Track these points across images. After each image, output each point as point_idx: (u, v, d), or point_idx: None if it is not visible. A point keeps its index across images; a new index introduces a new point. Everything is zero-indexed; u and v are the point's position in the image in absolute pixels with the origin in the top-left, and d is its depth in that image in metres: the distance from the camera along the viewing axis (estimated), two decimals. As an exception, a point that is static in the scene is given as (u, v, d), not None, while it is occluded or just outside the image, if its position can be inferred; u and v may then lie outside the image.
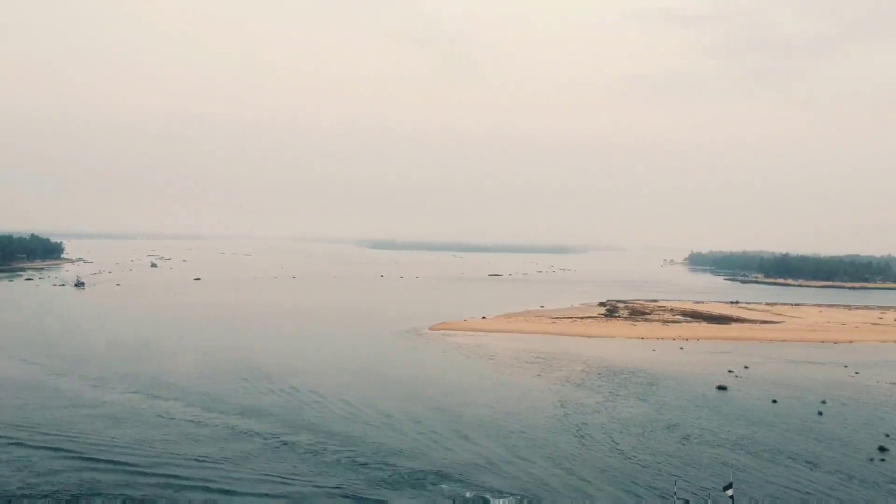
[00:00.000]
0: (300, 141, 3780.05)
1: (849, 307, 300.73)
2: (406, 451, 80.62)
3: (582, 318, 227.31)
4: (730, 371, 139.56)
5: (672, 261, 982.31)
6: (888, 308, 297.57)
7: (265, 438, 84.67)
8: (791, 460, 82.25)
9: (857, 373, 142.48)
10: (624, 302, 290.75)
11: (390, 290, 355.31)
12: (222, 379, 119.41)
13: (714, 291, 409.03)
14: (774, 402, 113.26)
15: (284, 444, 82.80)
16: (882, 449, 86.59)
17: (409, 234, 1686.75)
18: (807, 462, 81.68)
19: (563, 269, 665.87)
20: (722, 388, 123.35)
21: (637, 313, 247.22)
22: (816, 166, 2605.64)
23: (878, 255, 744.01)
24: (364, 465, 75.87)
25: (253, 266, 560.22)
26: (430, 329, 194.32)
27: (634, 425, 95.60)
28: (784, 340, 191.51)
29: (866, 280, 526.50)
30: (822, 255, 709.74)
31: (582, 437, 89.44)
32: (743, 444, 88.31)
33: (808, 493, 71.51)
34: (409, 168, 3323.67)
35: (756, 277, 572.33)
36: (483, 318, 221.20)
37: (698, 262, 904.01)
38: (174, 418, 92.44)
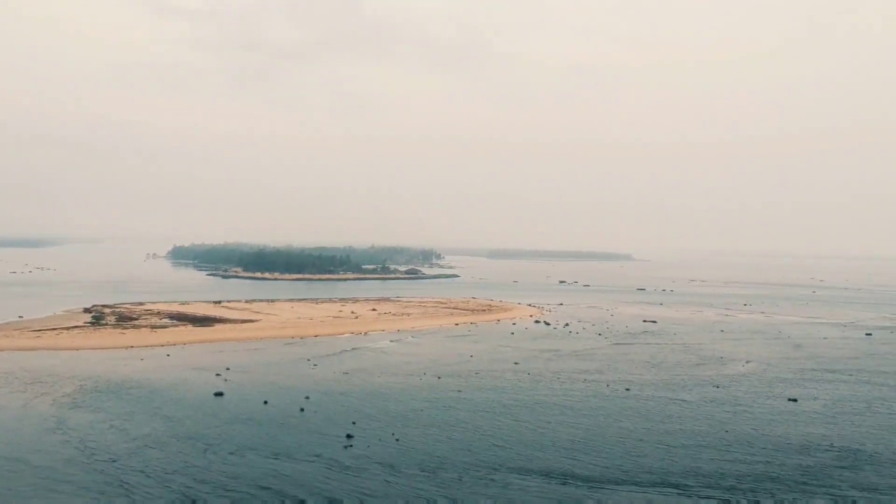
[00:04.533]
0: None
1: (316, 301, 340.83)
2: None
3: (68, 328, 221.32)
4: (218, 375, 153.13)
5: (155, 254, 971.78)
6: (347, 300, 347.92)
7: None
8: (287, 457, 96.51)
9: (315, 365, 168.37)
10: (111, 307, 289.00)
11: None
12: None
13: (198, 289, 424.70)
14: (266, 402, 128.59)
15: None
16: (349, 436, 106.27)
17: None
18: (299, 455, 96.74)
19: (41, 268, 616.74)
20: (219, 394, 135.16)
21: (125, 319, 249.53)
22: (297, 164, 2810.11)
23: (340, 246, 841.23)
24: None
25: None
26: None
27: (155, 447, 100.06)
28: (263, 338, 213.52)
29: (331, 272, 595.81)
30: (295, 248, 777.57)
31: (105, 474, 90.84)
32: (256, 447, 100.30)
33: (298, 483, 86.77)
34: None
35: (236, 272, 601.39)
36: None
37: (181, 255, 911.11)
38: None
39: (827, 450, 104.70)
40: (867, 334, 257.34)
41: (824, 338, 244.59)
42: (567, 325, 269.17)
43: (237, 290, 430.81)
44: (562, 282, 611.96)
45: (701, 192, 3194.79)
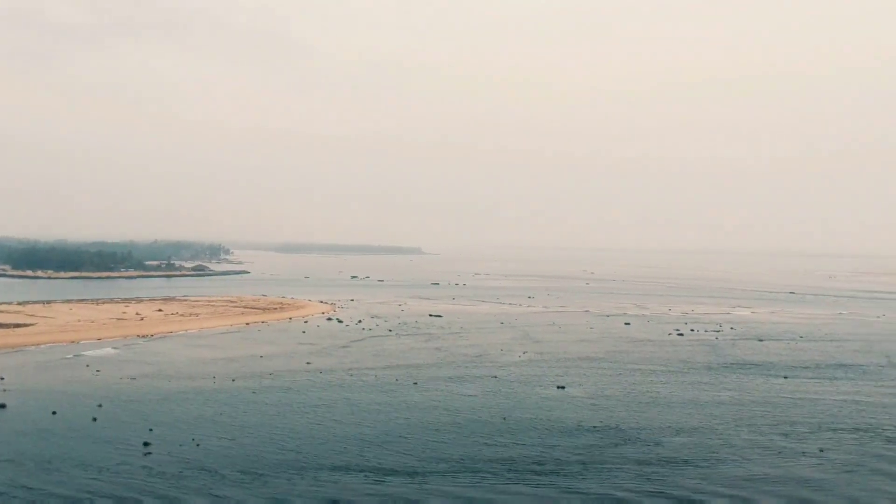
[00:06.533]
0: None
1: (97, 302, 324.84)
2: None
3: None
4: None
5: None
6: (130, 300, 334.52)
7: None
8: (88, 467, 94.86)
9: (99, 371, 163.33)
10: None
11: None
12: None
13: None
14: (55, 413, 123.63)
15: None
16: (146, 444, 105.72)
17: None
18: (100, 465, 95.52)
19: None
20: (1, 406, 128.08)
21: None
22: (74, 153, 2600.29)
23: (121, 241, 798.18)
24: None
25: None
26: None
27: None
28: (40, 344, 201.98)
29: (112, 269, 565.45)
30: (70, 242, 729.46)
31: None
32: (54, 460, 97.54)
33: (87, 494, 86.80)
34: None
35: (4, 269, 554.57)
36: None
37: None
38: None
39: (593, 431, 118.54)
40: (626, 324, 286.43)
41: (591, 328, 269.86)
42: (360, 321, 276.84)
43: (7, 290, 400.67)
44: (354, 277, 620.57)
45: (485, 189, 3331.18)
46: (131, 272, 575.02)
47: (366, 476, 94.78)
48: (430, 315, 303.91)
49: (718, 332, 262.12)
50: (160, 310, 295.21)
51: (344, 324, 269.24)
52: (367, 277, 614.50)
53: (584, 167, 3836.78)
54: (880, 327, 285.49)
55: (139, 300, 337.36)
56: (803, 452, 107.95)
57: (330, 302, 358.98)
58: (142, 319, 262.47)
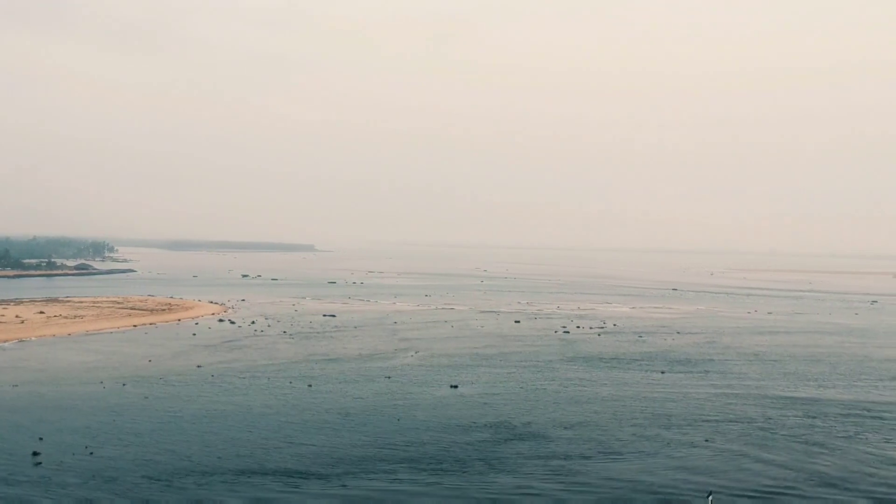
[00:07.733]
0: None
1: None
2: None
3: None
4: None
5: None
6: (9, 302, 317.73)
7: None
8: None
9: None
10: None
11: None
12: None
13: None
14: None
15: None
16: (35, 453, 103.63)
17: None
18: None
19: None
20: None
21: None
22: None
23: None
24: None
25: None
26: None
27: None
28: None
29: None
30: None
31: None
32: None
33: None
34: None
35: None
36: None
37: None
38: None
39: (485, 428, 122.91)
40: (516, 321, 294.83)
41: (482, 326, 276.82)
42: (253, 322, 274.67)
43: None
44: (245, 276, 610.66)
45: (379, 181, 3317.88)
46: (8, 271, 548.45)
47: (274, 479, 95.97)
48: (324, 315, 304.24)
49: (602, 328, 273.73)
50: (42, 312, 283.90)
51: (236, 325, 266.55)
52: (259, 276, 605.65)
53: (478, 158, 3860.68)
54: (749, 323, 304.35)
55: (18, 302, 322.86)
56: (692, 443, 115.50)
57: (221, 302, 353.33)
58: (22, 322, 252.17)
